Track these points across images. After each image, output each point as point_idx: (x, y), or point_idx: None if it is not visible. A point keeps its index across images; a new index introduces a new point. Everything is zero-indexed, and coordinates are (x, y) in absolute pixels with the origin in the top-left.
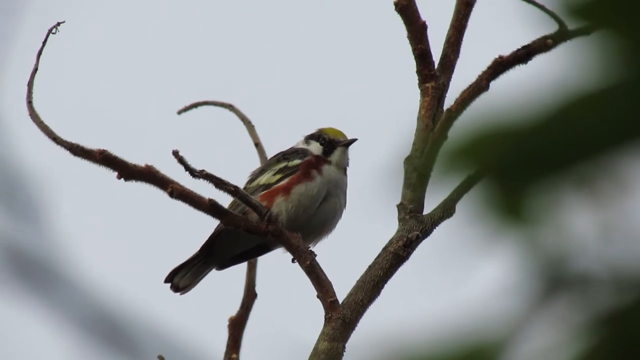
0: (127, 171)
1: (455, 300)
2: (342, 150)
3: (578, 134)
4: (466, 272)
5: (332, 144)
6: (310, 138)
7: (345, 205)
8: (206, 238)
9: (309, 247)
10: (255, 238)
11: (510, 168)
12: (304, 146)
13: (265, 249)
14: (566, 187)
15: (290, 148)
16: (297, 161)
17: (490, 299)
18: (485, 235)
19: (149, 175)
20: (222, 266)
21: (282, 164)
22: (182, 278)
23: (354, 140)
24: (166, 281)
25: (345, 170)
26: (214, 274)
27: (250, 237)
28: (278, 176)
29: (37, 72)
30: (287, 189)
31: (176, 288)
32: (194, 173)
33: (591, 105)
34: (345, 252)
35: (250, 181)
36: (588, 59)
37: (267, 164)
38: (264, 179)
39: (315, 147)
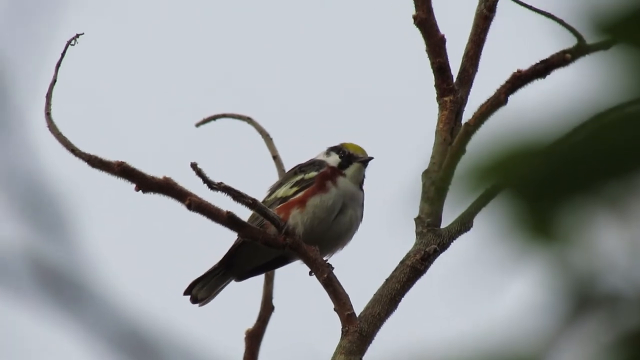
0: (146, 183)
1: (481, 317)
2: (358, 166)
3: (606, 151)
4: (492, 290)
5: (349, 159)
6: (331, 150)
7: (361, 219)
8: (226, 250)
9: (326, 259)
10: (274, 250)
11: (537, 186)
12: (324, 157)
13: (284, 260)
14: (595, 205)
15: (308, 160)
16: (313, 173)
17: (518, 317)
18: (512, 254)
19: (167, 188)
20: (241, 277)
21: (299, 177)
22: (201, 290)
23: (370, 159)
24: (185, 293)
25: (360, 185)
26: (231, 287)
27: (269, 249)
28: (295, 189)
29: (56, 83)
30: (302, 202)
31: (195, 300)
32: (212, 185)
33: (619, 122)
34: (363, 266)
35: (269, 195)
36: (615, 75)
37: (284, 177)
38: (281, 192)
39: (333, 159)
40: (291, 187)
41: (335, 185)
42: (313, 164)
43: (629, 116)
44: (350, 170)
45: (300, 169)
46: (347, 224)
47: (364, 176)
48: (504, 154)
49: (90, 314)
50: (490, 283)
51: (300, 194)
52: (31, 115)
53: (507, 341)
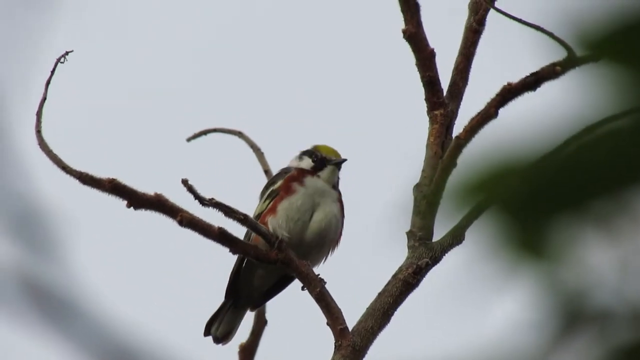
0: (137, 200)
1: (470, 333)
2: (331, 169)
3: (595, 168)
4: (481, 307)
5: (323, 162)
6: (303, 154)
7: (342, 215)
8: (226, 286)
9: (319, 274)
10: (275, 271)
11: (526, 204)
12: (296, 162)
13: (289, 279)
14: (584, 222)
15: (278, 171)
16: (280, 182)
17: (508, 335)
18: (501, 271)
19: (159, 204)
20: (254, 306)
21: (270, 189)
22: (218, 328)
23: (344, 161)
24: (205, 335)
25: (333, 185)
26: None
27: (270, 271)
28: (267, 201)
29: (46, 101)
30: (273, 209)
31: (217, 339)
32: (204, 201)
33: (607, 139)
34: (355, 280)
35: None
36: (602, 91)
37: (260, 194)
38: (257, 209)
39: (307, 163)
40: (264, 201)
41: (303, 185)
42: (280, 174)
43: (617, 132)
44: (325, 173)
45: (271, 181)
46: (325, 219)
47: (338, 178)
48: (491, 170)
49: (80, 331)
50: (478, 300)
51: (270, 204)
52: (21, 133)
53: (497, 358)
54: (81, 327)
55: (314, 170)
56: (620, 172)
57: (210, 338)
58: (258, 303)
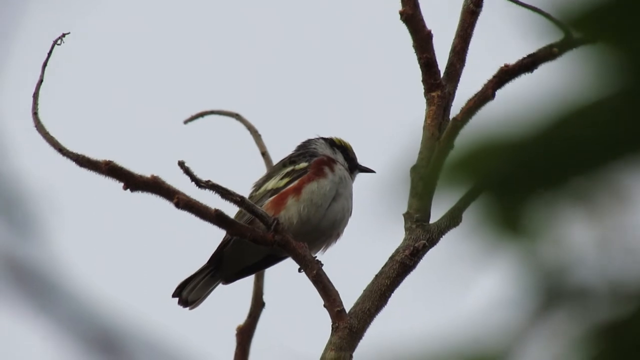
0: (133, 182)
1: (456, 311)
2: (357, 174)
3: (576, 146)
4: (466, 284)
5: (353, 164)
6: (336, 147)
7: (351, 211)
8: (214, 250)
9: (316, 256)
10: (263, 250)
11: (508, 181)
12: (330, 152)
13: (273, 260)
14: (564, 200)
15: (297, 151)
16: (303, 164)
17: (490, 311)
18: (483, 248)
19: (155, 186)
20: (228, 280)
21: (289, 168)
22: (191, 292)
23: (373, 172)
24: (174, 295)
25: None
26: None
27: (258, 248)
28: (286, 180)
29: (43, 83)
30: (297, 189)
31: (185, 302)
32: (200, 183)
33: (590, 117)
34: (352, 262)
35: (256, 189)
36: (586, 70)
37: (272, 170)
38: (270, 184)
39: (341, 159)
40: (281, 178)
41: (332, 171)
42: (303, 155)
43: (598, 112)
44: (354, 177)
45: (290, 160)
46: (341, 212)
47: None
48: (475, 148)
49: (61, 311)
50: (461, 278)
51: (295, 183)
52: (12, 115)
53: (477, 336)
54: (64, 307)
55: (348, 170)
56: (602, 150)
57: (177, 301)
58: (233, 278)
